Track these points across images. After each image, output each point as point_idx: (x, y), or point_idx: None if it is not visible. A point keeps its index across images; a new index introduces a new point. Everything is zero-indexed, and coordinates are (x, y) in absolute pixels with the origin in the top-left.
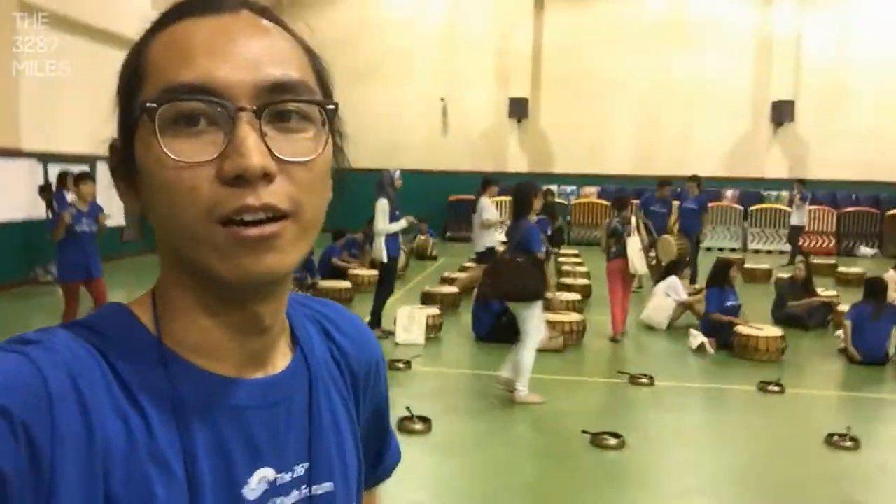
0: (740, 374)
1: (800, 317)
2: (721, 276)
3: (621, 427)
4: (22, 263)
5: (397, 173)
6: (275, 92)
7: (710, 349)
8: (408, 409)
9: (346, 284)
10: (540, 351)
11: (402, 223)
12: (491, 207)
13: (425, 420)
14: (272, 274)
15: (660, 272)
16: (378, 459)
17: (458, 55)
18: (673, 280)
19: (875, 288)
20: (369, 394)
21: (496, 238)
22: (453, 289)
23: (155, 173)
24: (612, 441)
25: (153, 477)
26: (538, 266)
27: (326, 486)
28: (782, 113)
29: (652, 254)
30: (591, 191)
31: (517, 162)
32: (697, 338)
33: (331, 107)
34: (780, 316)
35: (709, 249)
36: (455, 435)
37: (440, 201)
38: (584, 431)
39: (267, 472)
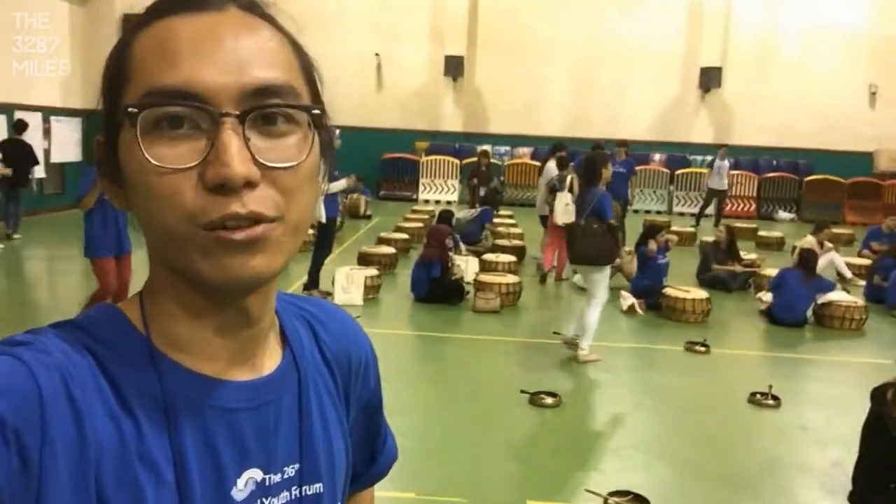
0: (668, 334)
1: (723, 279)
2: (650, 237)
3: (557, 386)
4: None
5: (336, 132)
6: (260, 96)
7: (639, 310)
8: None
9: None
10: (476, 312)
11: (343, 183)
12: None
13: None
14: (259, 277)
15: None
16: (371, 458)
17: (393, 11)
18: None
19: (808, 260)
20: (358, 390)
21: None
22: (390, 249)
23: (138, 177)
24: (549, 400)
25: (143, 479)
26: (611, 232)
27: (316, 487)
28: (710, 79)
29: None
30: (525, 151)
31: (452, 121)
32: (627, 299)
33: (316, 111)
34: (705, 278)
35: (636, 212)
36: (396, 395)
37: (374, 159)
38: (523, 391)
39: (255, 473)
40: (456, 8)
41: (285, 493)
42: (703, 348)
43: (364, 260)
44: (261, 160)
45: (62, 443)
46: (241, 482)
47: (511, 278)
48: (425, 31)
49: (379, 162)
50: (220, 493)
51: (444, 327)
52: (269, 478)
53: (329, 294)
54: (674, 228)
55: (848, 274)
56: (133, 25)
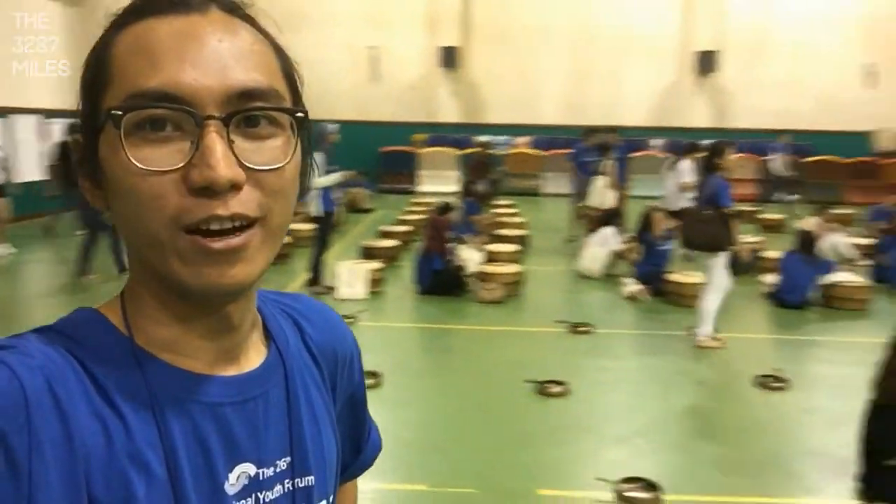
0: (673, 320)
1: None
2: (649, 223)
3: (564, 375)
4: None
5: (335, 127)
6: (243, 99)
7: (643, 297)
8: None
9: (285, 239)
10: (480, 303)
11: (338, 177)
12: (690, 171)
13: (374, 374)
14: (238, 285)
15: (593, 222)
16: (356, 451)
17: (385, 1)
18: (607, 230)
19: (807, 241)
20: (343, 384)
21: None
22: (393, 242)
23: (120, 178)
24: (556, 389)
25: (133, 477)
26: (724, 219)
27: (308, 480)
28: (707, 63)
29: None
30: (524, 140)
31: (448, 112)
32: (630, 286)
33: (300, 114)
34: None
35: (635, 198)
36: (403, 388)
37: (372, 152)
38: (528, 380)
39: (247, 468)
40: None
41: (279, 487)
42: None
43: (366, 254)
44: (246, 163)
45: (50, 443)
46: (232, 476)
47: (513, 268)
48: (419, 21)
49: (378, 155)
50: (213, 488)
51: (449, 319)
52: (262, 472)
53: (332, 289)
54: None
55: (852, 254)
56: (113, 25)
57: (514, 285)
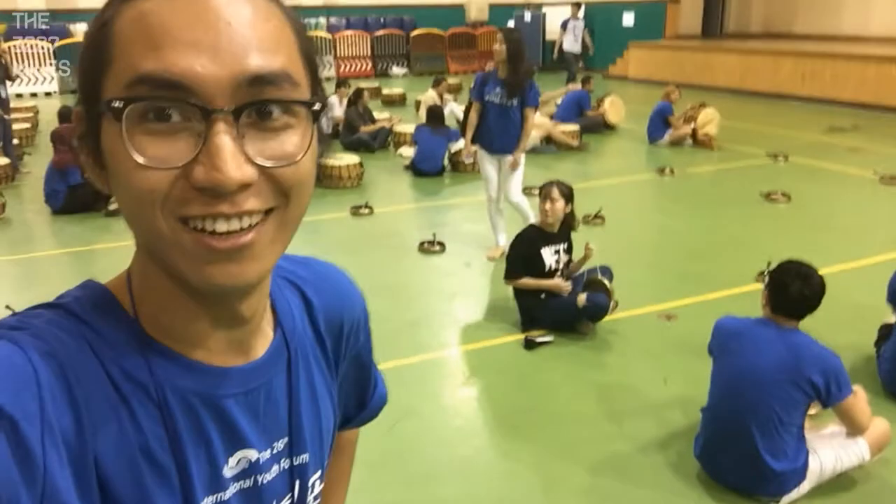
0: (332, 202)
1: (366, 141)
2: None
3: None
4: None
5: None
6: (255, 86)
7: None
8: (7, 307)
9: None
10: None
11: None
12: None
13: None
14: (246, 284)
15: None
16: (361, 404)
17: None
18: None
19: (436, 113)
20: (349, 349)
21: None
22: (2, 159)
23: (120, 169)
24: None
25: (143, 467)
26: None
27: (303, 458)
28: None
29: None
30: None
31: None
32: None
33: (316, 108)
34: (349, 142)
35: None
36: None
37: None
38: None
39: (247, 453)
40: None
41: (275, 467)
42: (367, 210)
43: None
44: (257, 160)
45: (61, 432)
46: (232, 461)
47: None
48: None
49: None
50: (213, 473)
51: (97, 237)
52: (262, 455)
53: None
54: None
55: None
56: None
57: None
